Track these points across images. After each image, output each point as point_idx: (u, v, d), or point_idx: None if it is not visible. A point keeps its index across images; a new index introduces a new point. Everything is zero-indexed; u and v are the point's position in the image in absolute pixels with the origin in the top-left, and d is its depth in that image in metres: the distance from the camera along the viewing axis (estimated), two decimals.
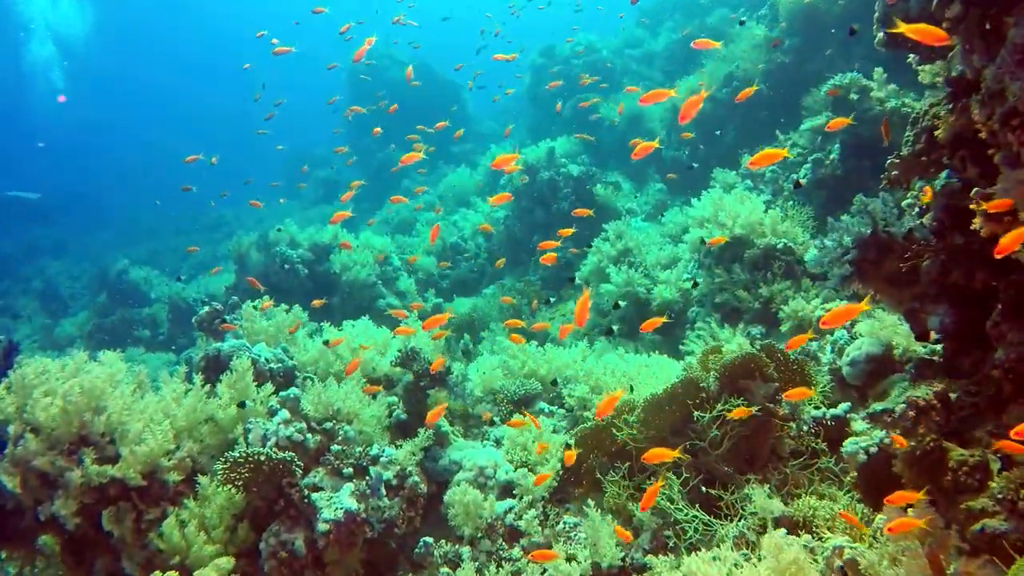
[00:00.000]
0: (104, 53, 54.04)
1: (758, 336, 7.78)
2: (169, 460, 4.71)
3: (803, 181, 10.69)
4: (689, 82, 14.36)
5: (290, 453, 4.54)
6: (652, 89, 16.19)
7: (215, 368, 5.76)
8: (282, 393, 5.27)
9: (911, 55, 5.95)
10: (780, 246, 8.01)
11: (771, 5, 14.47)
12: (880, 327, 6.09)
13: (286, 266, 11.38)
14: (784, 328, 7.53)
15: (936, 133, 4.68)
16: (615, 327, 10.23)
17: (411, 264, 12.34)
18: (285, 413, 5.08)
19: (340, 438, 5.25)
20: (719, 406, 4.82)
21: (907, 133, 5.09)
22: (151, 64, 62.28)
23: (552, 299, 10.71)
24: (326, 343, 6.31)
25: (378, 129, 13.66)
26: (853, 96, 10.15)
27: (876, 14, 6.09)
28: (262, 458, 4.45)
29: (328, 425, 5.28)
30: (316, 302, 9.65)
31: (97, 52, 52.77)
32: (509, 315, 11.45)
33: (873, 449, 4.67)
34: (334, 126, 27.10)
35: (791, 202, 10.86)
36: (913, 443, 4.32)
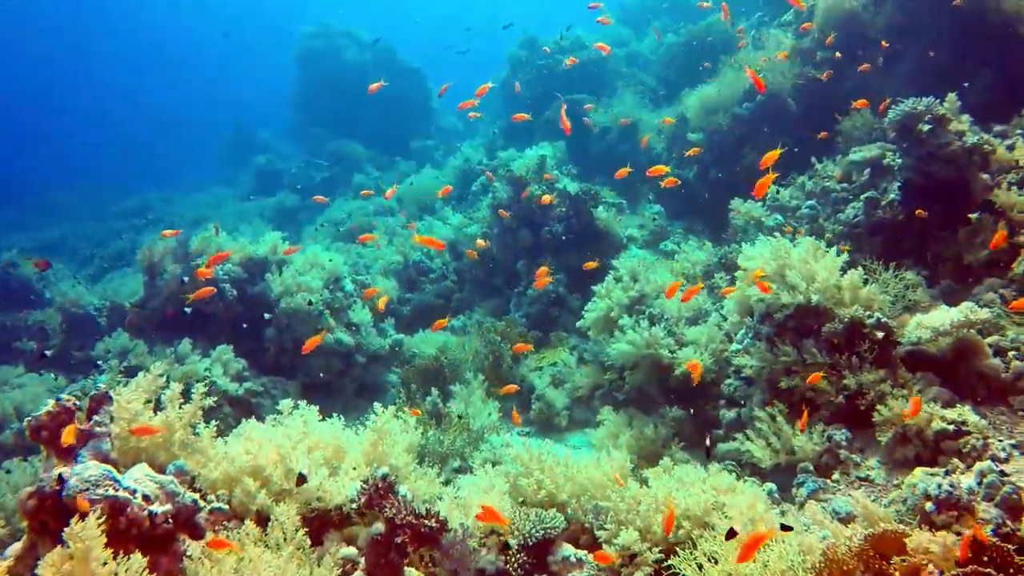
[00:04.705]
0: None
1: (843, 442, 5.79)
2: None
3: (855, 221, 8.82)
4: (702, 93, 12.38)
5: None
6: (647, 95, 14.08)
7: (55, 512, 3.46)
8: None
9: None
10: (872, 321, 6.03)
11: (797, 11, 12.60)
12: None
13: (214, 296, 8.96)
14: (883, 438, 5.56)
15: None
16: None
17: (368, 297, 9.87)
18: None
19: None
20: None
21: None
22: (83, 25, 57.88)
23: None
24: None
25: None
26: (924, 127, 8.27)
27: None
28: None
29: None
30: None
31: None
32: (487, 362, 9.28)
33: None
34: (279, 108, 24.57)
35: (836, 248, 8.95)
36: None
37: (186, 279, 8.94)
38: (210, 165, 30.46)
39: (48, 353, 10.85)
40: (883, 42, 10.46)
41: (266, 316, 8.97)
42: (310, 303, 9.05)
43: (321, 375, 9.31)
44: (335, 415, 5.01)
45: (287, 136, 26.77)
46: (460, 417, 7.81)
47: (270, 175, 22.92)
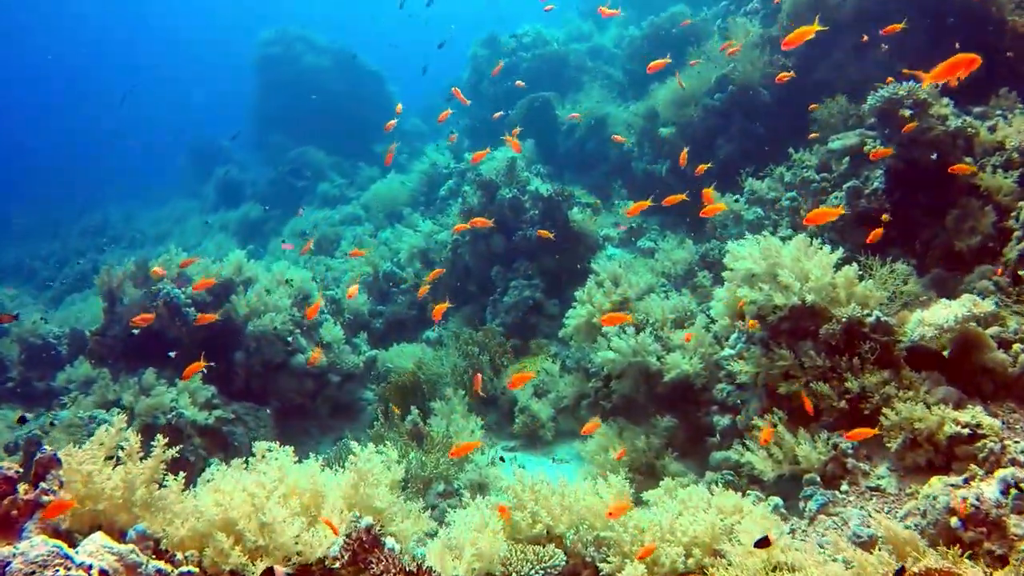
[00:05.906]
0: None
1: (849, 450, 5.53)
2: None
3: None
4: (672, 85, 12.10)
5: None
6: (615, 89, 13.86)
7: None
8: None
9: None
10: (872, 320, 5.79)
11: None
12: None
13: (177, 321, 8.50)
14: (892, 445, 5.31)
15: None
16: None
17: (310, 316, 9.16)
18: None
19: None
20: None
21: None
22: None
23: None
24: None
25: None
26: (905, 112, 8.08)
27: None
28: None
29: None
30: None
31: None
32: (467, 376, 8.92)
33: None
34: (240, 117, 23.93)
35: (819, 240, 8.73)
36: None
37: (135, 332, 8.48)
38: (173, 177, 29.70)
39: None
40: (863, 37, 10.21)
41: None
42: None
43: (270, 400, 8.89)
44: (312, 455, 4.63)
45: (249, 145, 26.14)
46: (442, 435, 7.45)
47: (233, 186, 22.29)
